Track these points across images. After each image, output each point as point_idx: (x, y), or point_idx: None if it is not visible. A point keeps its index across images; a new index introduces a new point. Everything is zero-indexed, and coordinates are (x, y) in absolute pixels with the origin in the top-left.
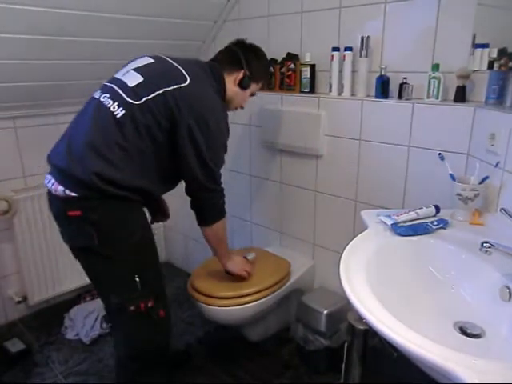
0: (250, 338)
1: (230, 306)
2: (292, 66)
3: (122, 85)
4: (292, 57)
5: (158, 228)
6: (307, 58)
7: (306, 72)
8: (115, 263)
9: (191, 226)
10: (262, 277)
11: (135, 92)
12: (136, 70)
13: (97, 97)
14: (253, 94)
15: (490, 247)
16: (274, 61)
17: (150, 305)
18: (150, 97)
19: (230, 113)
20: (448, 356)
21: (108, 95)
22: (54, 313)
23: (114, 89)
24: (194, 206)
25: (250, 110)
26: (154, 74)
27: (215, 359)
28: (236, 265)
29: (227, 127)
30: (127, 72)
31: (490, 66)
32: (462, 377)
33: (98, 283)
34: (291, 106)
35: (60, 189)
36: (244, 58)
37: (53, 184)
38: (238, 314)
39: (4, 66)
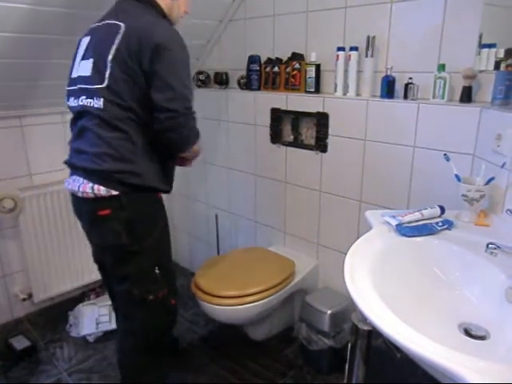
0: (253, 337)
1: (234, 305)
2: (297, 65)
3: (84, 79)
4: (297, 56)
5: None
6: (312, 57)
7: (311, 72)
8: (141, 258)
9: (196, 226)
10: (266, 276)
11: (96, 76)
12: (83, 57)
13: (75, 104)
14: None
15: (495, 248)
16: (279, 60)
17: (165, 294)
18: (108, 69)
19: (232, 111)
20: (452, 357)
21: (84, 96)
22: (58, 310)
23: (82, 88)
24: (171, 138)
25: (254, 109)
26: (97, 47)
27: (218, 358)
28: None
29: (182, 44)
30: (78, 66)
31: (497, 66)
32: (466, 378)
33: (120, 278)
34: (296, 106)
35: (88, 186)
36: None
37: (80, 185)
38: (241, 314)
39: (11, 65)
